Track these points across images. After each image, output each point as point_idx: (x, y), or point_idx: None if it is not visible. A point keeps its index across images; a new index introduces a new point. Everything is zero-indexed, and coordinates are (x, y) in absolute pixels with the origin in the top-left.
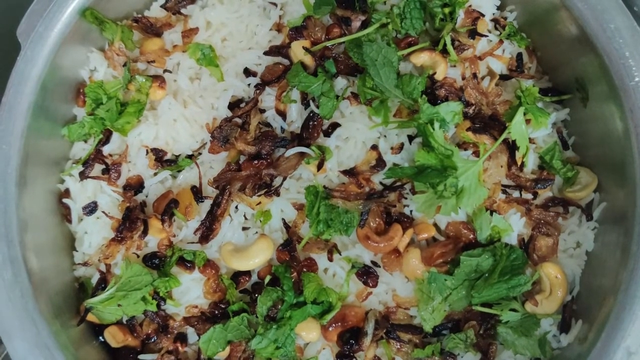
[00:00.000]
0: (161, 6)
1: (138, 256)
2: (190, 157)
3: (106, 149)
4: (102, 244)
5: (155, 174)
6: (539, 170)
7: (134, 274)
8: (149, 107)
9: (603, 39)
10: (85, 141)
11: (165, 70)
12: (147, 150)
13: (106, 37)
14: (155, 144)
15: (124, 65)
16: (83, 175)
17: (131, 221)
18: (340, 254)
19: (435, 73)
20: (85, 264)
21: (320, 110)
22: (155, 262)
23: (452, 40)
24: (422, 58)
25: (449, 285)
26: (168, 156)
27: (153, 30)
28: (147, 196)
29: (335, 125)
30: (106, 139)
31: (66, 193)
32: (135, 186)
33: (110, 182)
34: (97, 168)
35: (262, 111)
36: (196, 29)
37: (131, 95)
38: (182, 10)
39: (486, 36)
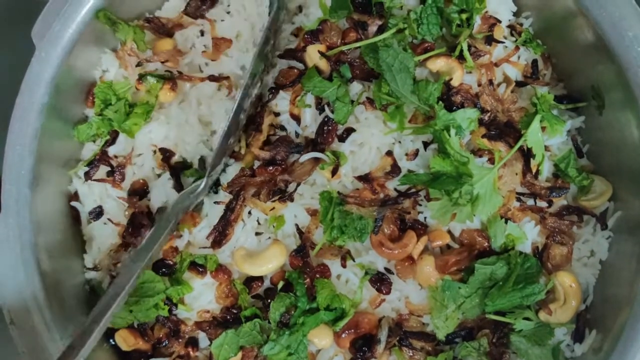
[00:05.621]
0: (182, 12)
1: None
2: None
3: (111, 150)
4: (110, 248)
5: (159, 175)
6: (554, 178)
7: (146, 280)
8: (157, 108)
9: (621, 47)
10: (95, 142)
11: (178, 71)
12: (154, 150)
13: (119, 38)
14: (164, 144)
15: (137, 65)
16: (88, 176)
17: (135, 227)
18: (354, 261)
19: (451, 79)
20: (94, 268)
21: (335, 115)
22: (164, 270)
23: (469, 47)
24: (439, 64)
25: (463, 293)
26: (176, 158)
27: (165, 30)
28: (149, 200)
29: (350, 131)
30: (113, 140)
31: (76, 195)
32: (140, 191)
33: (114, 185)
34: (104, 170)
35: (277, 115)
36: (229, 41)
37: (140, 97)
38: (207, 15)
39: (503, 42)
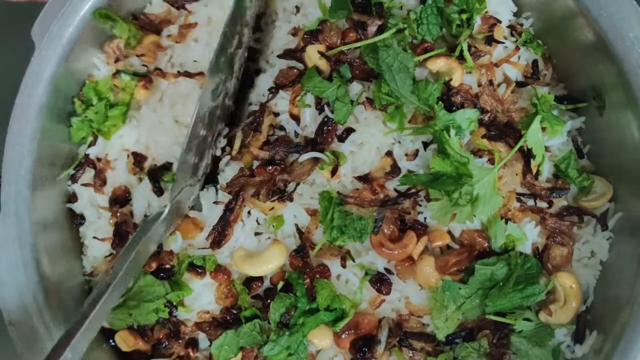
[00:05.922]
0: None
1: None
2: None
3: (92, 153)
4: (106, 255)
5: (141, 179)
6: (554, 178)
7: (146, 284)
8: (137, 108)
9: (621, 48)
10: (87, 143)
11: (156, 68)
12: (127, 154)
13: (116, 35)
14: (136, 147)
15: (116, 61)
16: (74, 179)
17: (121, 238)
18: (354, 261)
19: (451, 79)
20: (90, 274)
21: (335, 115)
22: (162, 275)
23: (469, 47)
24: (439, 64)
25: (463, 294)
26: (149, 161)
27: (152, 27)
28: (132, 205)
29: (349, 131)
30: (95, 143)
31: (74, 196)
32: (121, 199)
33: (96, 190)
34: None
35: (276, 115)
36: (194, 24)
37: (120, 96)
38: (187, 7)
39: (503, 43)
